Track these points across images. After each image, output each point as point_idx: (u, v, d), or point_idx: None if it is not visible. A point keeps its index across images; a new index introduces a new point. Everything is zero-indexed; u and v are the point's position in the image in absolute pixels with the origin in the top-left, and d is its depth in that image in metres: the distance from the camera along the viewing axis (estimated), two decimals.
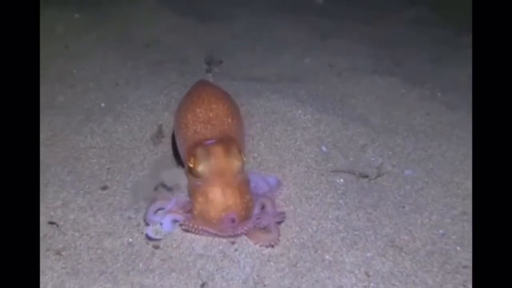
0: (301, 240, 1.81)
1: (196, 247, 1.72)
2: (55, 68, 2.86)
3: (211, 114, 1.92)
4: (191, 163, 1.77)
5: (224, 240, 1.75)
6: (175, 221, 1.78)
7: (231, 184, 1.72)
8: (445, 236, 1.89)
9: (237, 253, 1.71)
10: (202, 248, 1.71)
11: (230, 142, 1.80)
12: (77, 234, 1.80)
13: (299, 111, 2.47)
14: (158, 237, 1.76)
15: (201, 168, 1.73)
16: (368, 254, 1.77)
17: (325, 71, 3.23)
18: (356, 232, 1.86)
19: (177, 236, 1.76)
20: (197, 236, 1.75)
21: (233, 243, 1.75)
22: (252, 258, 1.70)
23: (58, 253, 1.72)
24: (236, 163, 1.74)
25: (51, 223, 1.83)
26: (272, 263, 1.70)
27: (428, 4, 4.57)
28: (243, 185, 1.77)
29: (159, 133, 2.32)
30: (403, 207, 2.03)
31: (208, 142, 1.81)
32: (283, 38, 3.68)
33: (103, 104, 2.57)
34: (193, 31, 3.59)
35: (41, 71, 2.78)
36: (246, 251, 1.71)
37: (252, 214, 1.77)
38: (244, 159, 1.79)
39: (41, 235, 1.79)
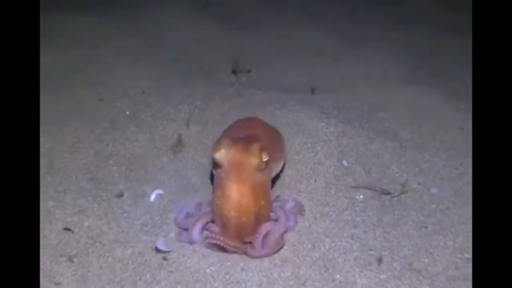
0: (313, 258, 1.75)
1: (203, 263, 1.69)
2: (83, 75, 2.92)
3: (247, 124, 2.01)
4: (212, 149, 1.74)
5: (232, 259, 1.71)
6: (202, 231, 1.79)
7: (246, 182, 1.68)
8: (471, 261, 1.77)
9: (243, 273, 1.66)
10: (210, 265, 1.68)
11: (255, 140, 1.76)
12: (90, 241, 1.83)
13: (322, 124, 2.39)
14: (167, 249, 1.76)
15: (218, 155, 1.70)
16: (382, 276, 1.68)
17: (355, 81, 3.11)
18: (371, 252, 1.78)
19: (187, 251, 1.74)
20: (207, 253, 1.73)
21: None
22: (259, 276, 1.65)
23: (70, 259, 1.75)
24: (254, 160, 1.69)
25: (67, 229, 1.87)
26: (280, 282, 1.65)
27: (463, 11, 4.32)
28: (260, 188, 1.72)
29: (179, 143, 2.32)
30: (426, 227, 1.93)
31: (236, 136, 1.81)
32: (312, 46, 3.59)
33: (128, 112, 2.60)
34: (220, 39, 3.57)
35: (69, 77, 2.87)
36: (253, 270, 1.67)
37: (264, 223, 1.73)
38: (266, 159, 1.71)
39: (56, 241, 1.83)
